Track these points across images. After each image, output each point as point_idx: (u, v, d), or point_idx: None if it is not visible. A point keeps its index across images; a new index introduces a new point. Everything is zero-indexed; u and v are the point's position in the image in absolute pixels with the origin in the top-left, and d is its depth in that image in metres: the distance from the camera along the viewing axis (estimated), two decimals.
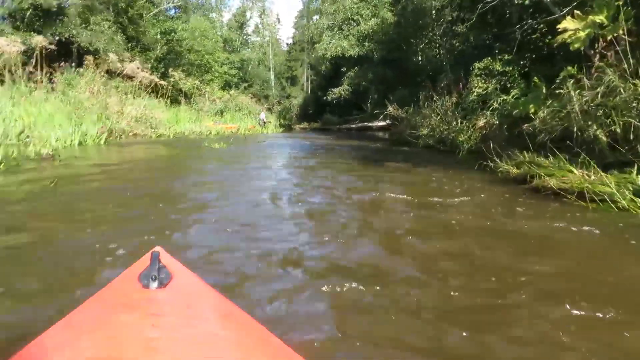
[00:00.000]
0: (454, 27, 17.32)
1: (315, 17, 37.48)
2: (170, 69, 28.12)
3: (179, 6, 34.78)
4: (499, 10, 12.25)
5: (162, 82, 26.47)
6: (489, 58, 12.27)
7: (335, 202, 5.10)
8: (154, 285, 1.12)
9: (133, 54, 26.02)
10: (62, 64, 17.38)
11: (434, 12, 21.25)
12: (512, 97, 8.09)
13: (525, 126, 7.03)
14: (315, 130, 34.08)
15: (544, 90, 7.35)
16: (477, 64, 12.43)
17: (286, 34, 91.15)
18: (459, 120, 12.53)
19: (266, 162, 9.05)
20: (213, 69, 36.07)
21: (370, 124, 30.37)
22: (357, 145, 15.07)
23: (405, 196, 5.27)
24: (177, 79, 28.60)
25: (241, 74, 41.26)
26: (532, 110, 7.38)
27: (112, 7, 25.54)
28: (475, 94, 12.03)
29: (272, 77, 54.25)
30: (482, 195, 5.30)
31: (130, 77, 20.92)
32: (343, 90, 27.40)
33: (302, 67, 55.90)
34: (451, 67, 16.36)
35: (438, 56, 21.74)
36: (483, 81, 12.12)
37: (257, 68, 52.36)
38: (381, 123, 27.64)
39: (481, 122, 8.45)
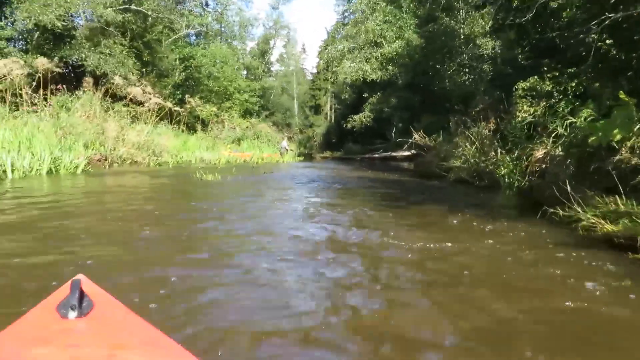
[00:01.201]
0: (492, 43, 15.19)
1: (340, 47, 35.82)
2: (187, 95, 26.52)
3: (200, 33, 33.56)
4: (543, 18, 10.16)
5: (177, 109, 24.92)
6: (536, 77, 10.10)
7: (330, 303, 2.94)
8: (73, 315, 1.06)
9: (148, 79, 24.65)
10: (59, 86, 15.76)
11: (462, 34, 19.23)
12: (584, 119, 5.83)
13: (615, 159, 4.78)
14: (336, 159, 32.07)
15: (635, 111, 5.12)
16: (521, 84, 10.25)
17: (311, 63, 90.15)
18: (499, 151, 10.31)
19: (256, 201, 6.98)
20: (233, 97, 34.60)
21: (394, 154, 28.19)
22: (379, 178, 12.92)
23: (442, 273, 3.09)
24: (194, 106, 27.04)
25: (262, 102, 39.78)
26: (617, 137, 5.13)
27: (129, 32, 24.23)
28: (519, 118, 9.82)
29: (296, 105, 52.80)
30: (572, 279, 3.06)
31: (140, 103, 19.31)
32: (364, 118, 25.35)
33: (325, 95, 54.28)
34: (485, 90, 14.18)
35: (468, 82, 19.60)
36: (529, 104, 9.91)
37: (280, 96, 51.02)
38: (406, 153, 25.44)
39: (539, 153, 6.18)
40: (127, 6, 22.70)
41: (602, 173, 5.51)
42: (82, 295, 1.10)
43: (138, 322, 1.17)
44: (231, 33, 38.34)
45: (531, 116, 9.70)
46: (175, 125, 24.14)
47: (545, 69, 10.04)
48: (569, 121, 6.03)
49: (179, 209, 5.95)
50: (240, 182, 9.45)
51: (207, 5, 34.14)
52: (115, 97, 18.81)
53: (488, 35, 19.68)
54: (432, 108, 19.60)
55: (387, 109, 22.69)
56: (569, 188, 4.99)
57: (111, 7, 20.87)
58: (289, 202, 6.98)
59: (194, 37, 33.82)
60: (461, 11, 19.87)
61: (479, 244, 4.17)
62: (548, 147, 6.15)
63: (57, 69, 17.26)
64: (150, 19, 25.48)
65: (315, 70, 58.61)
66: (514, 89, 10.47)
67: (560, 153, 5.97)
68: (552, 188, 6.00)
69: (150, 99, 21.61)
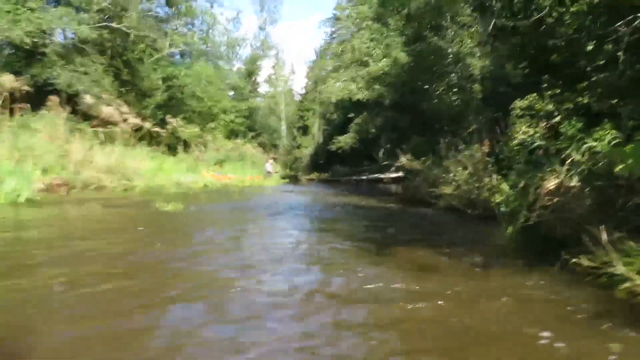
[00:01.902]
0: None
1: (329, 68, 34.83)
2: (168, 116, 25.35)
3: (185, 52, 32.50)
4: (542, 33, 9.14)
5: (157, 129, 23.72)
6: (535, 94, 9.03)
7: None
8: None
9: (127, 99, 23.46)
10: (23, 105, 14.50)
11: (451, 54, 18.29)
12: (607, 142, 4.69)
13: None
14: (322, 181, 30.86)
15: None
16: (518, 103, 9.17)
17: (300, 83, 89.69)
18: (494, 176, 9.18)
19: (205, 246, 5.77)
20: (218, 117, 33.43)
21: (381, 176, 27.07)
22: (364, 204, 11.74)
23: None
24: (175, 126, 25.85)
25: (249, 123, 38.62)
26: None
27: (109, 50, 23.08)
28: (517, 140, 8.72)
29: (284, 126, 51.77)
30: None
31: (113, 123, 18.08)
32: (349, 139, 24.20)
33: (314, 116, 53.31)
34: (478, 110, 13.13)
35: (457, 102, 18.61)
36: (528, 124, 8.82)
37: (267, 117, 49.97)
38: (393, 175, 24.34)
39: (551, 184, 5.03)
40: (105, 24, 21.64)
41: (631, 210, 4.35)
42: None
43: None
44: (217, 53, 37.35)
45: (530, 137, 8.61)
46: (155, 147, 22.97)
47: (545, 85, 8.99)
48: (586, 145, 4.89)
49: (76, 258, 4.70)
50: (204, 213, 8.22)
51: (192, 25, 33.13)
52: (88, 117, 17.60)
53: (477, 55, 18.84)
54: (421, 129, 18.54)
55: (374, 130, 21.55)
56: (602, 232, 3.83)
57: (87, 24, 19.78)
58: (247, 246, 5.74)
59: (178, 57, 32.78)
60: (448, 30, 18.99)
61: (482, 306, 2.98)
62: (561, 177, 4.98)
63: (27, 88, 16.11)
64: (131, 36, 24.43)
65: (303, 91, 57.81)
66: (510, 108, 9.40)
67: (577, 184, 4.80)
68: (567, 226, 4.85)
69: (126, 119, 20.45)
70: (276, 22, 66.79)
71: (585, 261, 3.87)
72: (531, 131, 8.61)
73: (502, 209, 8.71)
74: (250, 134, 38.80)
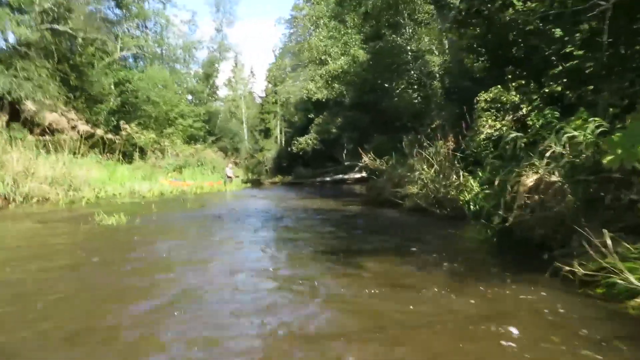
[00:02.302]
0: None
1: (287, 69, 34.11)
2: (122, 122, 24.13)
3: (138, 56, 31.16)
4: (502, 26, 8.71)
5: (110, 136, 22.52)
6: (499, 86, 8.59)
7: None
8: None
9: (76, 105, 22.17)
10: None
11: (410, 51, 17.91)
12: (591, 132, 4.16)
13: None
14: (286, 185, 30.11)
15: None
16: (483, 95, 8.72)
17: (260, 86, 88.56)
18: (461, 173, 8.70)
19: (144, 268, 5.01)
20: (176, 122, 32.19)
21: (345, 177, 26.56)
22: (327, 208, 11.10)
23: None
24: (130, 133, 24.67)
25: (208, 127, 37.42)
26: None
27: (55, 54, 21.68)
28: (483, 135, 8.26)
29: (245, 130, 50.72)
30: None
31: (59, 130, 16.91)
32: (310, 140, 23.51)
33: (275, 119, 52.47)
34: (440, 106, 12.70)
35: (417, 99, 18.22)
36: (494, 117, 8.37)
37: (228, 121, 48.83)
38: (357, 175, 23.83)
39: (529, 180, 4.49)
40: (49, 26, 20.33)
41: (622, 207, 3.85)
42: None
43: None
44: (173, 56, 36.04)
45: (497, 131, 8.16)
46: (108, 155, 21.80)
47: (510, 77, 8.57)
48: (566, 135, 4.35)
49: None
50: (150, 227, 7.38)
51: (145, 27, 31.84)
52: (32, 125, 16.41)
53: (436, 53, 18.52)
54: (383, 127, 18.08)
55: (335, 130, 20.93)
56: (606, 235, 3.30)
57: (28, 26, 18.50)
58: (194, 263, 4.99)
59: (132, 60, 31.43)
60: (406, 28, 18.63)
61: (480, 338, 2.37)
62: (541, 172, 4.45)
63: None
64: (79, 39, 23.12)
65: (264, 94, 56.89)
66: (474, 102, 8.94)
67: (558, 179, 4.27)
68: (547, 227, 4.31)
69: (75, 126, 19.27)
70: (233, 23, 65.77)
71: (579, 269, 3.33)
72: (497, 124, 8.17)
73: (472, 207, 8.26)
74: (210, 139, 37.64)
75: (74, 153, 18.66)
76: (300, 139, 24.79)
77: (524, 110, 8.03)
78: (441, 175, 8.96)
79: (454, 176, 8.67)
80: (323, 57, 18.99)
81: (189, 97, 39.05)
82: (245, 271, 4.27)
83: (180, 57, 36.99)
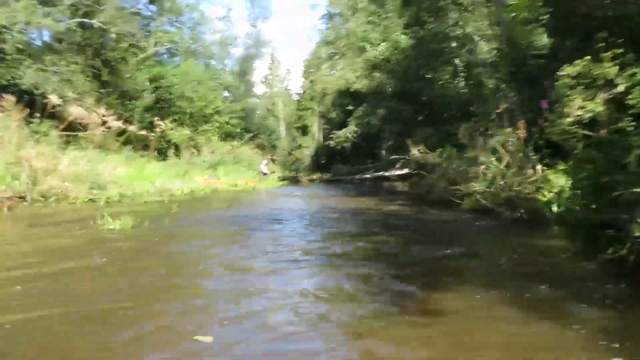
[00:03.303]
0: None
1: (324, 66, 32.52)
2: (156, 118, 23.14)
3: (173, 52, 30.32)
4: None
5: (143, 132, 21.56)
6: (588, 58, 6.81)
7: None
8: None
9: (108, 101, 21.31)
10: None
11: (457, 37, 16.10)
12: None
13: None
14: (324, 182, 28.65)
15: None
16: (567, 69, 6.95)
17: (297, 83, 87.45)
18: (538, 167, 7.01)
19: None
20: (212, 119, 31.21)
21: (386, 174, 24.82)
22: (370, 208, 9.54)
23: None
24: (165, 129, 23.68)
25: (245, 124, 36.37)
26: None
27: (86, 48, 20.87)
28: (571, 118, 6.51)
29: (282, 127, 49.57)
30: None
31: (83, 126, 15.94)
32: (349, 133, 21.82)
33: (312, 116, 51.06)
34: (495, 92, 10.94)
35: (466, 87, 16.39)
36: (584, 96, 6.60)
37: (266, 118, 47.83)
38: (399, 172, 22.08)
39: None
40: (79, 20, 19.50)
41: None
42: None
43: None
44: (208, 52, 35.12)
45: (587, 113, 6.40)
46: (142, 152, 20.93)
47: (602, 45, 6.77)
48: None
49: None
50: (157, 233, 5.99)
51: (179, 22, 30.95)
52: (56, 120, 15.47)
53: (486, 38, 16.65)
54: (428, 119, 16.34)
55: (376, 122, 19.15)
56: None
57: (55, 20, 17.67)
58: (196, 289, 3.56)
59: (166, 56, 30.59)
60: (451, 13, 16.80)
61: None
62: None
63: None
64: (111, 34, 22.30)
65: (301, 91, 55.59)
66: (555, 78, 7.18)
67: None
68: None
69: (105, 122, 18.34)
70: (268, 18, 64.65)
71: None
72: (590, 105, 6.40)
73: (554, 209, 6.56)
74: (247, 136, 36.56)
75: (102, 149, 17.80)
76: (338, 132, 23.13)
77: (622, 87, 6.25)
78: (512, 169, 7.25)
79: (530, 169, 6.97)
80: (362, 44, 17.36)
81: (226, 93, 38.14)
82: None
83: (215, 53, 36.09)
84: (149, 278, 3.62)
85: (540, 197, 6.80)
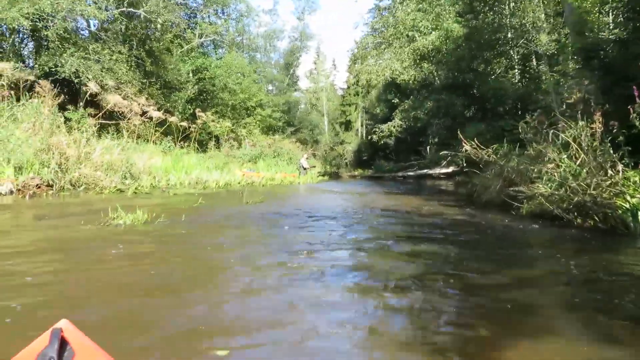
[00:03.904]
0: None
1: (370, 56, 31.42)
2: (198, 110, 22.68)
3: (218, 44, 29.90)
4: None
5: (183, 124, 21.12)
6: None
7: None
8: None
9: (150, 91, 21.04)
10: (5, 93, 12.06)
11: (513, 27, 14.68)
12: None
13: None
14: (366, 178, 27.61)
15: None
16: None
17: (342, 78, 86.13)
18: (619, 167, 5.83)
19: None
20: (255, 112, 30.72)
21: (430, 171, 23.56)
22: (415, 210, 8.50)
23: None
24: (207, 121, 23.18)
25: (287, 118, 35.72)
26: None
27: (130, 38, 20.66)
28: None
29: (326, 122, 48.75)
30: None
31: (121, 115, 15.52)
32: (394, 127, 20.57)
33: (356, 111, 50.06)
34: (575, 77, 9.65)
35: (522, 81, 14.98)
36: None
37: (309, 113, 47.10)
38: (445, 170, 20.80)
39: None
40: (125, 9, 19.25)
41: None
42: (62, 344, 1.03)
43: None
44: (253, 45, 34.60)
45: None
46: (182, 143, 20.54)
47: None
48: None
49: None
50: (169, 231, 5.20)
51: (224, 14, 30.52)
52: (93, 108, 15.14)
53: (544, 30, 15.16)
54: (480, 114, 15.02)
55: (422, 116, 17.84)
56: None
57: (99, 8, 17.41)
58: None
59: (211, 47, 30.21)
60: (508, 4, 15.39)
61: None
62: None
63: (30, 77, 13.92)
64: (157, 25, 22.07)
65: (345, 86, 54.62)
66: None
67: None
68: None
69: (146, 112, 17.98)
70: (315, 11, 63.86)
71: None
72: None
73: (636, 211, 5.40)
74: (289, 130, 35.93)
75: (139, 139, 17.50)
76: (382, 126, 21.92)
77: None
78: (585, 170, 6.08)
79: (610, 171, 5.79)
80: (410, 33, 16.18)
81: (270, 87, 37.63)
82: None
83: (260, 46, 35.55)
84: (137, 303, 2.79)
85: (621, 202, 5.63)
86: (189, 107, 24.62)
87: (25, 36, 17.61)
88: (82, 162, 11.50)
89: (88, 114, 13.85)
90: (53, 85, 13.14)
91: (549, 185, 6.28)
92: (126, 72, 18.19)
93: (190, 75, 25.95)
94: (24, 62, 17.96)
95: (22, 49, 17.64)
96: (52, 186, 10.17)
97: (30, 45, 19.20)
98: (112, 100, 14.35)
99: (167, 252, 4.10)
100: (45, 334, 1.07)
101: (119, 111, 14.87)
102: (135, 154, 13.64)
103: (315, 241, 4.75)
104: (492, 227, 6.33)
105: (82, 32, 19.20)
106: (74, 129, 12.35)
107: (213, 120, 24.26)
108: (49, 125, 11.38)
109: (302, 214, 7.46)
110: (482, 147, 8.71)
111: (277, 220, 6.50)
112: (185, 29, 25.53)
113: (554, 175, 6.38)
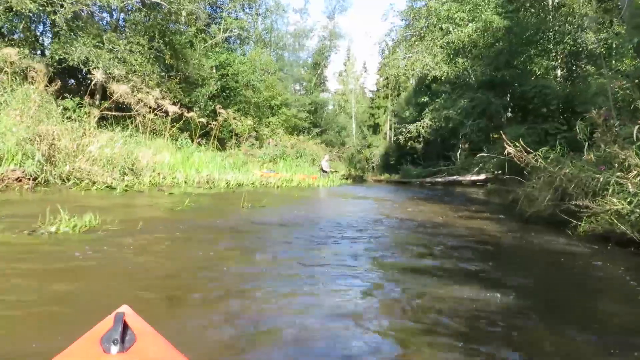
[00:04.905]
0: None
1: (402, 63, 29.81)
2: (218, 106, 21.40)
3: (242, 39, 28.71)
4: None
5: (202, 120, 19.88)
6: None
7: None
8: (115, 349, 1.01)
9: (170, 85, 19.93)
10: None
11: (557, 25, 12.91)
12: None
13: None
14: (392, 183, 25.97)
15: None
16: None
17: (372, 81, 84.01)
18: None
19: None
20: (280, 111, 29.42)
21: (460, 178, 21.73)
22: (446, 223, 6.96)
23: None
24: (227, 118, 21.88)
25: (313, 118, 34.25)
26: None
27: (150, 29, 19.58)
28: None
29: (354, 124, 47.16)
30: None
31: (127, 106, 14.38)
32: (422, 127, 18.72)
33: (385, 114, 48.31)
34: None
35: (569, 81, 13.20)
36: None
37: (337, 115, 45.61)
38: (476, 177, 18.97)
39: None
40: None
41: None
42: (125, 328, 1.04)
43: (178, 358, 1.09)
44: (281, 43, 33.28)
45: None
46: (200, 140, 19.40)
47: None
48: None
49: None
50: (115, 242, 3.83)
51: (250, 9, 29.29)
52: (97, 98, 14.09)
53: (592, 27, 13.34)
54: (521, 115, 13.26)
55: (455, 116, 15.89)
56: None
57: None
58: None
59: (237, 42, 29.01)
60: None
61: None
62: None
63: (35, 65, 12.88)
64: (181, 18, 21.03)
65: (375, 88, 52.95)
66: None
67: None
68: None
69: (161, 105, 16.84)
70: (346, 9, 62.19)
71: None
72: None
73: None
74: (315, 131, 34.46)
75: (154, 134, 16.43)
76: (409, 126, 20.08)
77: None
78: None
79: None
80: (445, 26, 14.49)
81: (296, 86, 36.30)
82: None
83: (289, 44, 34.22)
84: None
85: None
86: (211, 103, 23.46)
87: (41, 24, 16.75)
88: (77, 154, 10.36)
89: (90, 104, 12.69)
90: (64, 75, 12.10)
91: (628, 199, 4.65)
92: (141, 63, 17.07)
93: (214, 71, 24.81)
94: (42, 51, 17.12)
95: (39, 37, 16.77)
96: (34, 180, 9.01)
97: (50, 34, 18.36)
98: (118, 90, 13.18)
99: (49, 288, 2.68)
100: (109, 318, 1.08)
101: (126, 103, 13.74)
102: (139, 149, 12.47)
103: (288, 271, 3.29)
104: (548, 252, 4.74)
105: (99, 20, 18.23)
106: (73, 119, 11.23)
107: (235, 118, 23.00)
108: (41, 112, 10.24)
109: (302, 224, 6.02)
110: (529, 150, 7.07)
111: (263, 233, 5.07)
112: (209, 23, 24.44)
113: (627, 187, 4.76)
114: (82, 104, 12.25)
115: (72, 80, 17.51)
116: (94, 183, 9.66)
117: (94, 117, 12.11)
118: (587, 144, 6.77)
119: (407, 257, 4.28)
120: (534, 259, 4.50)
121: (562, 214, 5.85)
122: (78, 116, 11.44)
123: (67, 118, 11.15)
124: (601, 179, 5.36)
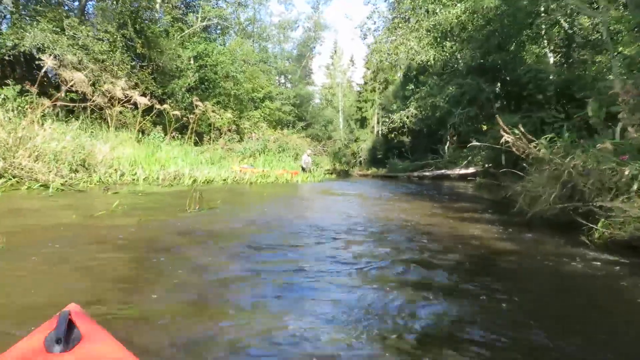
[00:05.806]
0: None
1: (387, 46, 28.50)
2: (195, 98, 19.97)
3: (223, 30, 27.26)
4: None
5: (176, 113, 18.46)
6: None
7: None
8: (58, 349, 0.97)
9: (141, 77, 18.52)
10: None
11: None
12: None
13: None
14: (377, 178, 24.76)
15: None
16: None
17: (359, 74, 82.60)
18: None
19: None
20: (263, 105, 28.03)
21: (448, 172, 20.60)
22: (437, 223, 5.76)
23: None
24: (206, 111, 20.47)
25: (297, 112, 32.86)
26: None
27: (121, 17, 18.10)
28: None
29: (341, 119, 45.86)
30: None
31: (84, 96, 12.97)
32: (407, 117, 17.44)
33: (372, 108, 47.04)
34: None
35: (565, 65, 12.07)
36: None
37: (324, 108, 44.26)
38: (465, 170, 17.85)
39: None
40: None
41: None
42: (70, 327, 1.01)
43: (126, 357, 1.04)
44: (264, 34, 31.81)
45: None
46: (175, 133, 18.07)
47: None
48: None
49: None
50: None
51: None
52: (49, 87, 12.67)
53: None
54: (514, 103, 12.07)
55: (442, 104, 14.53)
56: None
57: None
58: None
59: (216, 33, 27.54)
60: None
61: None
62: None
63: None
64: (156, 6, 19.63)
65: (362, 82, 51.59)
66: None
67: None
68: None
69: (129, 97, 15.48)
70: (331, 0, 60.66)
71: None
72: None
73: None
74: (300, 124, 33.08)
75: (122, 127, 15.14)
76: (393, 115, 18.78)
77: None
78: None
79: None
80: (431, 7, 13.22)
81: (281, 79, 34.87)
82: None
83: (273, 36, 32.77)
84: None
85: None
86: (188, 95, 22.03)
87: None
88: (16, 149, 9.01)
89: (39, 93, 11.24)
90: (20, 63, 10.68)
91: None
92: (108, 51, 15.66)
93: (191, 61, 23.35)
94: None
95: None
96: None
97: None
98: (71, 78, 11.78)
99: None
100: (54, 317, 1.04)
101: (80, 92, 12.34)
102: (94, 143, 11.12)
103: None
104: (560, 263, 3.52)
105: (63, 5, 16.76)
106: (13, 109, 9.84)
107: (214, 111, 21.60)
108: None
109: (242, 236, 4.75)
110: (530, 137, 5.84)
111: (175, 253, 3.78)
112: (186, 12, 23.01)
113: None
114: (29, 92, 10.79)
115: (24, 68, 15.93)
116: (36, 181, 8.36)
117: (45, 107, 10.74)
118: (598, 128, 5.56)
119: (399, 277, 3.04)
120: (543, 273, 3.30)
121: (574, 214, 4.65)
122: (19, 106, 10.07)
123: (5, 110, 9.78)
124: (626, 172, 4.14)
